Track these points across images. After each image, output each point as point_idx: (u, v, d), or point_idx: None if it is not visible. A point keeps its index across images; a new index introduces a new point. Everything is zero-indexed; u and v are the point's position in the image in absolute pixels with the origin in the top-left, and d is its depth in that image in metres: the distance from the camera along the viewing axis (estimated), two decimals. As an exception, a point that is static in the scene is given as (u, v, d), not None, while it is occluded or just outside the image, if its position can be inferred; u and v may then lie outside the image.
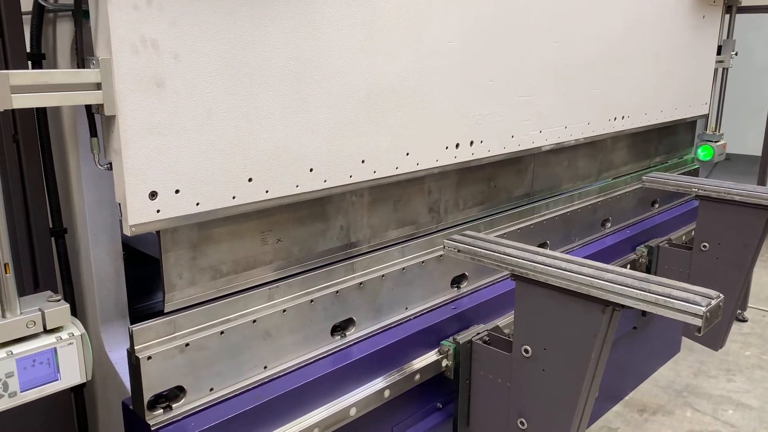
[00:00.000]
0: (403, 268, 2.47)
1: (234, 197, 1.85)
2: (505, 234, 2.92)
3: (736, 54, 4.35)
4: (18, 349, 1.53)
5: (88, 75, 1.54)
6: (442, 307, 2.62)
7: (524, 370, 2.24)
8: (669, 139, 4.24)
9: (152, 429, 1.81)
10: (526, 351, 2.21)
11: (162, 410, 1.84)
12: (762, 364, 4.82)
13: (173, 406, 1.86)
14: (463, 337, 2.48)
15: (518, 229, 3.00)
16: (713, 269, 3.34)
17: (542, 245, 3.16)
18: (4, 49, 1.76)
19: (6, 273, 1.52)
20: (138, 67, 1.58)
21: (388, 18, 2.13)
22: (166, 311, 1.83)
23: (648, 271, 3.69)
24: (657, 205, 4.13)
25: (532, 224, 3.09)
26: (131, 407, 1.85)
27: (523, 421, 2.28)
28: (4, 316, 1.53)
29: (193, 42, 1.67)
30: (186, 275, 1.86)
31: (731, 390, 4.47)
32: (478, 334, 2.50)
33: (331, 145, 2.05)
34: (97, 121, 1.71)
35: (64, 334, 1.60)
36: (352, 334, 2.32)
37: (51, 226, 1.99)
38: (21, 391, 1.54)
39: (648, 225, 3.91)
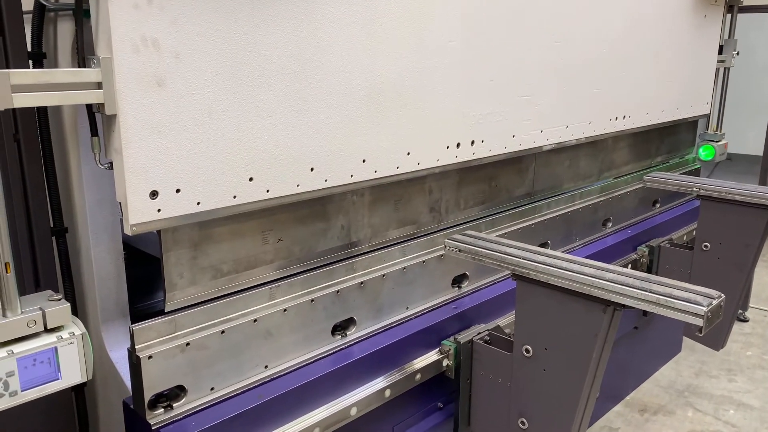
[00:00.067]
0: (404, 268, 2.47)
1: (235, 197, 1.85)
2: (506, 234, 2.92)
3: (737, 53, 4.34)
4: (19, 348, 1.53)
5: (89, 74, 1.54)
6: (443, 306, 2.62)
7: (525, 370, 2.24)
8: (670, 139, 4.24)
9: (153, 428, 1.81)
10: (527, 351, 2.21)
11: (163, 409, 1.84)
12: (763, 364, 4.82)
13: (174, 405, 1.86)
14: (464, 337, 2.48)
15: (519, 228, 3.00)
16: (714, 269, 3.34)
17: (543, 245, 3.16)
18: (5, 48, 1.76)
19: (7, 272, 1.52)
20: (139, 67, 1.58)
21: (389, 17, 2.12)
22: (166, 310, 1.83)
23: (649, 271, 3.68)
24: (658, 205, 4.12)
25: (533, 224, 3.08)
26: (132, 406, 1.85)
27: (524, 421, 2.28)
28: (4, 316, 1.53)
29: (194, 41, 1.67)
30: (187, 275, 1.86)
31: (732, 390, 4.46)
32: (479, 333, 2.50)
33: (332, 144, 2.05)
34: (97, 120, 1.71)
35: (64, 334, 1.60)
36: (353, 334, 2.32)
37: (52, 225, 1.99)
38: (21, 391, 1.54)
39: (649, 225, 3.90)
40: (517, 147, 2.77)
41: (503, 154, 2.72)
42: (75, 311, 2.04)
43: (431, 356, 2.46)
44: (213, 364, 1.92)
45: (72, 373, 1.62)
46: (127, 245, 2.18)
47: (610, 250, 3.51)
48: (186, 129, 1.70)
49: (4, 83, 1.43)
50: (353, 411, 2.18)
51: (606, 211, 3.63)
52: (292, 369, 2.12)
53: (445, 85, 2.37)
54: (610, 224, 3.67)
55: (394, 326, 2.44)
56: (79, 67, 1.68)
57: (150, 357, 1.78)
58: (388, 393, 2.29)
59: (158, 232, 1.77)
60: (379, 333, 2.38)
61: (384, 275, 2.39)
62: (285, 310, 2.09)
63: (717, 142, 4.35)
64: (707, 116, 4.34)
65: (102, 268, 2.06)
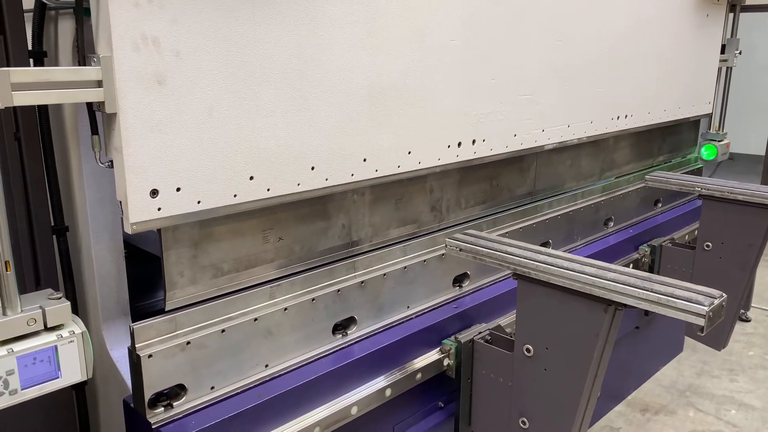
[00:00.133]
0: (405, 267, 2.47)
1: (235, 195, 1.84)
2: (507, 233, 2.91)
3: (739, 53, 4.33)
4: (19, 346, 1.53)
5: (90, 72, 1.54)
6: (443, 306, 2.62)
7: (526, 370, 2.24)
8: (672, 138, 4.23)
9: (153, 427, 1.81)
10: (528, 350, 2.21)
11: (163, 408, 1.84)
12: (765, 364, 4.81)
13: (174, 404, 1.86)
14: (464, 336, 2.47)
15: (520, 228, 3.00)
16: (716, 269, 3.34)
17: (545, 244, 3.16)
18: (6, 46, 1.76)
19: (7, 270, 1.52)
20: (139, 65, 1.58)
21: (389, 16, 2.12)
22: (167, 309, 1.83)
23: (651, 271, 3.68)
24: (660, 205, 4.11)
25: (534, 223, 3.08)
26: (132, 405, 1.85)
27: (525, 420, 2.27)
28: (5, 314, 1.53)
29: (195, 40, 1.67)
30: (187, 273, 1.86)
31: (734, 390, 4.45)
32: (479, 333, 2.50)
33: (333, 143, 2.05)
34: (98, 118, 1.70)
35: (65, 332, 1.60)
36: (354, 333, 2.32)
37: (52, 223, 1.99)
38: (22, 389, 1.54)
39: (651, 224, 3.90)
40: (518, 146, 2.76)
41: (504, 154, 2.71)
42: (75, 310, 2.04)
43: (432, 355, 2.46)
44: (213, 363, 1.92)
45: (72, 371, 1.62)
46: (127, 244, 2.18)
47: (612, 249, 3.51)
48: (186, 127, 1.70)
49: (4, 81, 1.43)
50: (354, 410, 2.18)
51: (608, 210, 3.62)
52: (292, 368, 2.12)
53: (446, 84, 2.37)
54: (611, 224, 3.67)
55: (395, 325, 2.44)
56: (80, 65, 1.68)
57: (150, 356, 1.77)
58: (388, 392, 2.29)
59: (159, 230, 1.77)
60: (379, 332, 2.38)
61: (385, 274, 2.39)
62: (285, 309, 2.08)
63: (719, 141, 4.34)
64: (709, 116, 4.33)
65: (102, 267, 2.06)
